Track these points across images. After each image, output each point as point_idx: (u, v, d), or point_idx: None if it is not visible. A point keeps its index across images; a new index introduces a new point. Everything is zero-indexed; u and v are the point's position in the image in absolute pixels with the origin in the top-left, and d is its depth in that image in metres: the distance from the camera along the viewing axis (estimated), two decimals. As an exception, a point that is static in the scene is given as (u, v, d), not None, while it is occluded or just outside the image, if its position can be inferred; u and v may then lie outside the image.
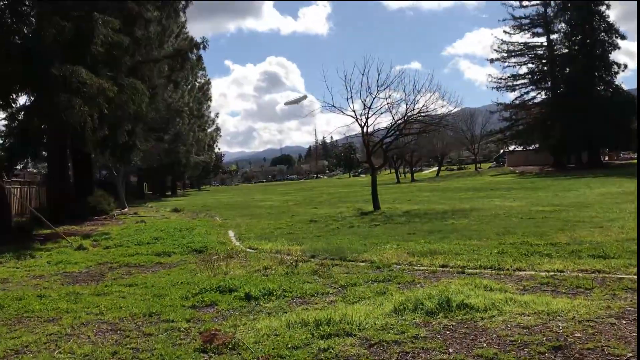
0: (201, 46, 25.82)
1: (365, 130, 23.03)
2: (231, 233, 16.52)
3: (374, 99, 22.69)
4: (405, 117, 22.42)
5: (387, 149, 24.25)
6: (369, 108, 22.75)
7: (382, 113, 23.45)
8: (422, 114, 22.50)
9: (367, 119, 22.91)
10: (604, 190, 26.34)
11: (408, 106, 22.11)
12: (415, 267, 8.77)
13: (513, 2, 68.47)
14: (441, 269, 8.54)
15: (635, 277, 6.84)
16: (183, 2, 26.18)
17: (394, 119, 22.91)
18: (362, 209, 22.83)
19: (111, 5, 20.07)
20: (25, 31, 18.59)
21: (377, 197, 22.78)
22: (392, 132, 23.04)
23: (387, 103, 22.58)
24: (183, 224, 20.10)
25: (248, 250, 12.28)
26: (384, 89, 22.53)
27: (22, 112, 21.65)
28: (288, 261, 9.65)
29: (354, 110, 22.93)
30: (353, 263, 9.54)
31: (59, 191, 24.55)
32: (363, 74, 22.44)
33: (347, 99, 22.73)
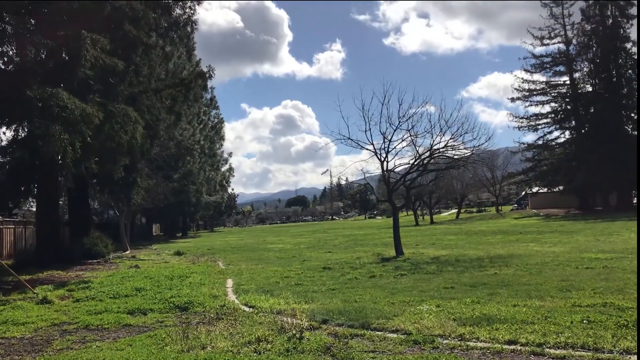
0: (207, 75, 23.79)
1: (385, 165, 20.64)
2: (229, 283, 13.96)
3: (394, 131, 20.39)
4: (431, 150, 19.98)
5: (409, 187, 21.71)
6: (390, 141, 20.42)
7: (403, 147, 21.01)
8: (449, 148, 20.08)
9: (387, 153, 20.57)
10: (652, 235, 23.47)
11: (434, 139, 19.71)
12: (471, 344, 6.17)
13: (533, 40, 66.57)
14: (508, 346, 5.96)
15: None
16: (188, 29, 24.29)
17: (417, 152, 20.49)
18: (383, 254, 20.21)
19: (105, 26, 18.15)
20: (4, 50, 16.62)
21: (399, 241, 20.14)
22: (416, 167, 20.55)
23: (410, 135, 20.21)
24: (179, 270, 17.59)
25: (243, 308, 9.71)
26: (406, 120, 20.24)
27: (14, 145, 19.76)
28: (291, 328, 7.09)
29: (372, 144, 20.61)
30: (380, 334, 6.95)
31: (47, 232, 22.21)
32: (383, 104, 20.13)
33: (365, 131, 20.39)
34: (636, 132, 53.91)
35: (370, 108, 20.33)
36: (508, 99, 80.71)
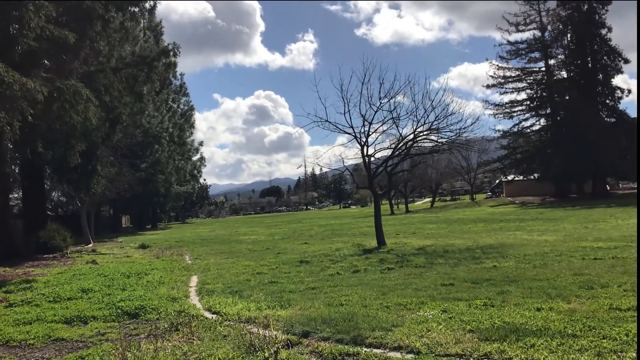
0: (172, 53, 21.84)
1: (365, 150, 19.09)
2: (194, 281, 12.26)
3: (375, 112, 18.82)
4: (414, 133, 18.50)
5: (391, 173, 20.19)
6: (370, 123, 18.87)
7: (385, 130, 19.46)
8: (433, 131, 18.61)
9: (367, 136, 19.02)
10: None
11: (419, 119, 18.22)
12: (502, 368, 4.65)
13: (509, 26, 65.56)
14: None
15: None
16: (150, 3, 22.27)
17: (400, 135, 18.98)
18: (364, 245, 18.70)
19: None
20: None
21: (381, 231, 18.64)
22: (399, 151, 19.04)
23: (393, 117, 18.67)
24: (139, 266, 15.80)
25: (205, 314, 8.04)
26: (388, 100, 18.70)
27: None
28: (263, 346, 5.48)
29: (352, 127, 19.03)
30: (379, 353, 5.38)
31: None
32: (363, 83, 18.54)
33: (344, 113, 18.78)
34: (636, 129, 53.33)
35: (349, 88, 18.70)
36: (483, 86, 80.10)
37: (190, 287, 11.29)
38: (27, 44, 14.46)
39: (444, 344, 5.36)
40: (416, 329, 5.98)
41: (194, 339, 6.33)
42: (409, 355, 5.22)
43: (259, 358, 5.11)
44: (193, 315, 7.81)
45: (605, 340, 5.10)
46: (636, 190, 62.27)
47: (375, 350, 5.44)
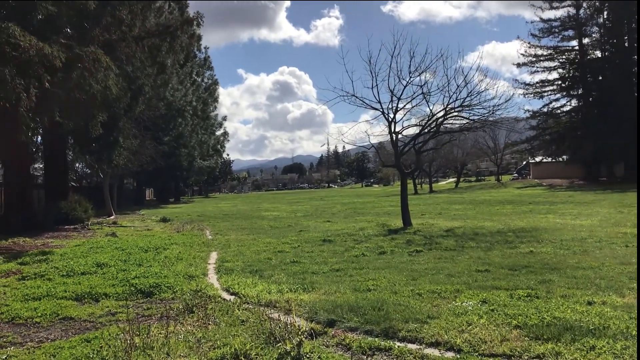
0: (195, 23, 21.23)
1: (393, 127, 18.36)
2: (213, 257, 11.81)
3: (404, 87, 18.05)
4: (445, 109, 17.68)
5: (419, 150, 19.43)
6: (399, 99, 18.10)
7: (413, 107, 18.68)
8: (465, 108, 17.76)
9: (395, 112, 18.27)
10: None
11: (451, 95, 17.39)
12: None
13: (542, 3, 63.32)
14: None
15: None
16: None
17: (431, 111, 18.17)
18: (388, 225, 18.08)
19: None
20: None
21: (407, 211, 17.98)
22: (429, 127, 18.25)
23: (423, 92, 17.86)
24: (158, 240, 15.41)
25: (223, 295, 7.55)
26: (419, 74, 17.89)
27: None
28: (284, 336, 4.93)
29: (379, 102, 18.29)
30: (414, 348, 4.79)
31: (15, 194, 19.94)
32: (392, 56, 17.72)
33: (372, 87, 18.01)
34: (636, 129, 51.45)
35: (378, 62, 17.91)
36: (513, 64, 77.84)
37: (209, 264, 10.82)
38: (46, 8, 13.98)
39: (488, 342, 4.73)
40: (455, 322, 5.36)
41: (209, 324, 5.82)
42: (449, 354, 4.62)
43: (279, 350, 4.56)
44: (210, 296, 7.31)
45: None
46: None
47: (410, 346, 4.85)
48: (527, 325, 5.15)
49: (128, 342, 4.84)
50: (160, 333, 5.31)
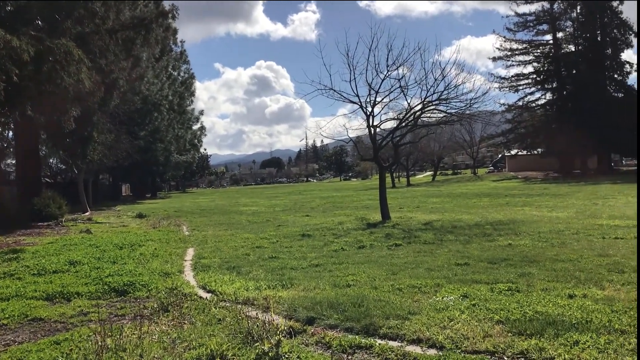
0: (170, 15, 20.87)
1: (371, 120, 18.28)
2: (189, 254, 11.60)
3: (382, 81, 17.96)
4: (423, 102, 17.65)
5: (398, 144, 19.39)
6: (377, 92, 18.02)
7: (391, 100, 18.61)
8: (442, 101, 17.75)
9: (373, 105, 18.18)
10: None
11: (429, 88, 17.36)
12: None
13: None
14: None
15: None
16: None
17: (409, 105, 18.14)
18: (367, 219, 18.03)
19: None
20: None
21: (386, 204, 17.96)
22: (406, 122, 18.22)
23: (401, 86, 17.80)
24: (134, 236, 15.13)
25: (200, 293, 7.37)
26: (397, 68, 17.83)
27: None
28: (262, 335, 4.79)
29: (357, 95, 18.19)
30: (395, 346, 4.69)
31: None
32: (370, 50, 17.63)
33: (350, 81, 17.90)
34: (636, 127, 52.22)
35: (355, 55, 17.80)
36: (489, 58, 78.29)
37: (186, 261, 10.62)
38: (16, 0, 13.57)
39: (470, 338, 4.65)
40: (436, 317, 5.28)
41: (185, 323, 5.66)
42: (431, 351, 4.53)
43: (257, 351, 4.42)
44: (186, 294, 7.14)
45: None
46: (635, 168, 61.52)
47: (391, 343, 4.74)
48: (509, 320, 5.09)
49: (99, 343, 4.65)
50: (133, 334, 5.13)
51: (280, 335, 4.65)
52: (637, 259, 7.48)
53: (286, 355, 4.39)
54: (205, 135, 79.64)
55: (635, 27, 57.16)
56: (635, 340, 4.37)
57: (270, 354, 4.28)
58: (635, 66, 57.62)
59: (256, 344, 4.60)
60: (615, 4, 57.65)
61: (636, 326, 4.66)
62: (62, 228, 20.31)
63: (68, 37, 16.97)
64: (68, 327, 5.97)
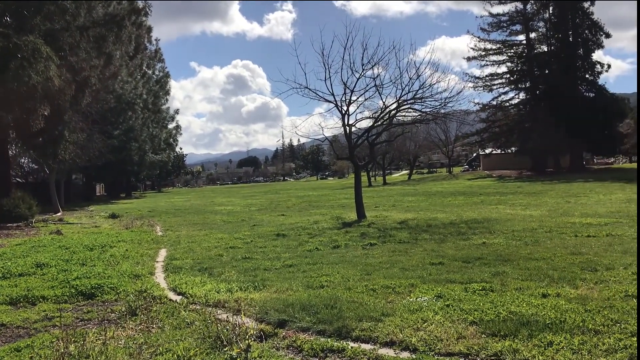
0: (142, 12, 20.54)
1: (346, 119, 18.22)
2: (162, 255, 11.39)
3: (357, 79, 17.90)
4: (398, 101, 17.65)
5: (373, 143, 19.36)
6: (352, 91, 17.96)
7: (366, 99, 18.60)
8: (417, 100, 17.77)
9: (348, 104, 18.12)
10: (621, 197, 22.24)
11: (404, 87, 17.37)
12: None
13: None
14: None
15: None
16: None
17: (384, 103, 18.12)
18: (343, 218, 17.97)
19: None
20: None
21: (362, 203, 17.93)
22: (381, 120, 18.20)
23: (376, 85, 17.77)
24: (105, 237, 14.81)
25: (170, 295, 7.20)
26: (372, 67, 17.80)
27: None
28: (232, 339, 4.66)
29: (332, 94, 18.11)
30: (368, 349, 4.60)
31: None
32: (345, 48, 17.56)
33: (325, 79, 17.81)
34: (636, 126, 53.16)
35: (331, 54, 17.73)
36: (463, 58, 79.20)
37: (157, 262, 10.41)
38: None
39: (444, 340, 4.58)
40: (410, 319, 5.20)
41: (152, 327, 5.50)
42: (404, 353, 4.44)
43: (226, 356, 4.29)
44: (155, 296, 6.96)
45: (635, 339, 4.36)
46: (613, 166, 62.74)
47: (363, 346, 4.65)
48: (483, 321, 5.03)
49: (61, 350, 4.47)
50: (98, 339, 4.95)
51: (250, 340, 4.54)
52: (637, 259, 7.50)
53: (256, 357, 4.26)
54: (181, 134, 78.98)
55: (606, 28, 58.20)
56: (610, 340, 4.34)
57: (239, 359, 4.15)
58: (605, 66, 58.53)
59: (225, 349, 4.47)
60: (586, 5, 58.59)
61: (636, 327, 4.63)
62: (32, 229, 19.87)
63: (37, 34, 16.58)
64: (31, 332, 5.76)
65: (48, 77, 14.68)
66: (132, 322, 5.71)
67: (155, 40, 65.36)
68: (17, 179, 42.21)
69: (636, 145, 48.30)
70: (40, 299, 7.21)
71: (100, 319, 6.11)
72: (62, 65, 16.76)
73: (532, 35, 63.98)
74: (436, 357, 4.29)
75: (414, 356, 4.36)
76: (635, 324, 4.67)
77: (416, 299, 5.99)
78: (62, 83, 17.04)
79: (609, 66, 59.04)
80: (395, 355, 4.42)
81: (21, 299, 7.21)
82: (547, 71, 62.57)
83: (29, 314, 6.50)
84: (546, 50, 63.17)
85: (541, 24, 63.48)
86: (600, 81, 60.11)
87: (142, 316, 5.86)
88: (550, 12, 61.60)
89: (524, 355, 4.14)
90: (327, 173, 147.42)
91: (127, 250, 11.98)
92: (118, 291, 7.51)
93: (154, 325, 5.56)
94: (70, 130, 25.59)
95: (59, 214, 28.97)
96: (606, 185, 31.66)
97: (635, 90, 52.79)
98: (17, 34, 14.50)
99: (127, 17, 20.19)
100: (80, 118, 28.93)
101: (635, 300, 5.48)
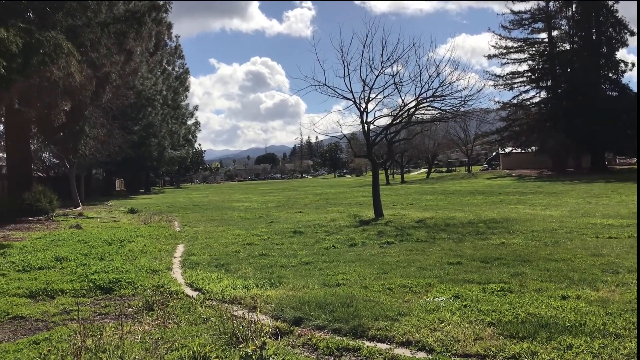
0: (162, 9, 20.64)
1: (365, 117, 18.13)
2: (179, 250, 11.45)
3: (376, 77, 17.81)
4: (417, 99, 17.53)
5: (391, 141, 19.26)
6: (371, 89, 17.87)
7: (385, 96, 18.50)
8: (437, 98, 17.63)
9: (367, 102, 18.04)
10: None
11: (423, 85, 17.23)
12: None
13: (512, -3, 63.60)
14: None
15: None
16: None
17: (403, 101, 18.00)
18: (360, 216, 17.91)
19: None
20: None
21: (379, 201, 17.84)
22: (401, 117, 18.08)
23: (395, 82, 17.66)
24: (124, 232, 14.95)
25: (187, 291, 7.24)
26: (391, 64, 17.68)
27: None
28: (247, 336, 4.66)
29: (351, 91, 18.04)
30: (384, 348, 4.56)
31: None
32: (364, 45, 17.47)
33: (344, 77, 17.75)
34: (636, 126, 52.30)
35: (350, 51, 17.66)
36: (484, 56, 78.17)
37: (175, 257, 10.47)
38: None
39: (461, 341, 4.53)
40: (426, 319, 5.15)
41: (169, 322, 5.52)
42: (421, 354, 4.40)
43: (241, 353, 4.28)
44: (172, 292, 6.99)
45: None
46: (636, 167, 61.65)
47: (379, 346, 4.62)
48: (501, 322, 4.97)
49: (79, 344, 4.51)
50: (115, 333, 4.98)
51: (266, 337, 4.53)
52: (637, 259, 7.39)
53: (271, 358, 4.25)
54: (200, 130, 79.37)
55: (631, 26, 57.22)
56: (632, 344, 4.25)
57: (254, 356, 4.14)
58: (630, 65, 57.60)
59: (241, 346, 4.46)
60: (610, 2, 57.65)
61: (636, 329, 4.55)
62: (52, 223, 20.12)
63: (58, 30, 16.74)
64: (49, 326, 5.82)
65: (69, 72, 14.83)
66: (148, 317, 5.74)
67: (175, 36, 65.79)
68: (39, 174, 42.73)
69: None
70: (59, 293, 7.29)
71: (117, 313, 6.15)
72: (83, 61, 16.91)
73: (555, 33, 63.15)
74: (453, 358, 4.24)
75: (430, 357, 4.31)
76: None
77: (433, 298, 5.94)
78: (83, 79, 17.19)
79: (633, 65, 58.06)
80: (411, 356, 4.38)
81: (40, 292, 7.29)
82: (569, 69, 61.71)
83: (48, 307, 6.57)
84: (569, 48, 62.29)
85: (564, 21, 62.64)
86: (624, 80, 59.22)
87: (158, 311, 5.89)
88: (573, 9, 60.71)
89: (542, 358, 4.07)
90: (344, 171, 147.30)
91: (145, 245, 12.07)
92: (135, 286, 7.56)
93: (170, 321, 5.58)
94: (90, 125, 25.84)
95: (79, 208, 29.30)
96: (628, 186, 31.11)
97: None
98: (39, 30, 14.64)
99: (147, 13, 20.30)
100: (100, 113, 29.22)
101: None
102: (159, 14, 20.83)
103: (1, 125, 25.84)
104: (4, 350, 4.91)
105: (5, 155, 29.07)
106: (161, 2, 20.97)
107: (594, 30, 58.84)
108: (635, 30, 57.38)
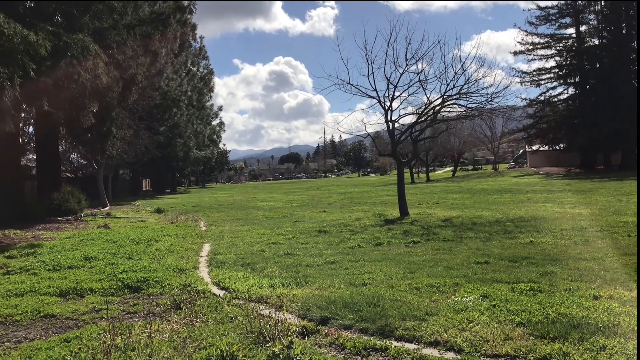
0: (187, 10, 20.82)
1: (389, 115, 18.03)
2: (205, 250, 11.53)
3: (401, 75, 17.70)
4: (443, 97, 17.36)
5: (416, 139, 19.13)
6: (395, 87, 17.76)
7: (410, 94, 18.40)
8: (462, 95, 17.44)
9: (392, 100, 17.93)
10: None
11: (449, 83, 17.07)
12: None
13: (540, -11, 62.74)
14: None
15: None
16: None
17: (428, 99, 17.86)
18: (385, 215, 17.81)
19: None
20: None
21: (404, 200, 17.72)
22: (426, 115, 17.94)
23: (420, 80, 17.52)
24: (151, 232, 15.11)
25: (213, 289, 7.27)
26: (415, 62, 17.55)
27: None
28: (274, 335, 4.66)
29: (375, 90, 17.96)
30: (412, 348, 4.52)
31: (6, 185, 19.61)
32: (389, 43, 17.36)
33: (368, 75, 17.69)
34: (636, 124, 51.15)
35: (374, 49, 17.59)
36: (510, 52, 77.21)
37: (201, 256, 10.55)
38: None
39: (490, 341, 4.46)
40: (455, 319, 5.09)
41: (196, 321, 5.55)
42: (449, 354, 4.35)
43: (268, 352, 4.28)
44: (199, 290, 7.03)
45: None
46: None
47: (407, 345, 4.58)
48: (531, 322, 4.88)
49: (108, 342, 4.56)
50: (144, 332, 5.03)
51: (293, 336, 4.52)
52: (637, 259, 7.22)
53: (298, 357, 4.23)
54: (224, 130, 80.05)
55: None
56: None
57: (281, 355, 4.14)
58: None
59: (267, 345, 4.46)
60: (640, -5, 56.33)
61: (636, 330, 4.44)
62: (81, 223, 20.45)
63: (86, 33, 17.01)
64: (79, 324, 5.90)
65: (96, 74, 15.05)
66: (176, 316, 5.78)
67: (200, 37, 66.45)
68: (67, 174, 43.56)
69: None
70: (89, 292, 7.39)
71: (145, 312, 6.21)
72: (110, 62, 17.15)
73: (583, 28, 61.99)
74: (482, 359, 4.18)
75: (459, 357, 4.26)
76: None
77: (461, 298, 5.86)
78: (110, 80, 17.44)
79: (666, 59, 56.64)
80: (439, 356, 4.32)
81: (70, 291, 7.40)
82: (597, 65, 60.51)
83: (78, 306, 6.67)
84: (597, 43, 61.05)
85: (592, 16, 61.43)
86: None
87: (186, 310, 5.94)
88: (602, 4, 59.53)
89: (574, 359, 3.98)
90: (369, 169, 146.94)
91: (172, 244, 12.18)
92: (163, 285, 7.63)
93: (198, 320, 5.61)
94: (117, 126, 26.18)
95: (106, 208, 29.76)
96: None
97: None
98: (67, 33, 14.88)
99: (172, 15, 20.51)
100: (127, 114, 29.62)
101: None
102: (184, 15, 21.00)
103: (31, 127, 26.32)
104: (37, 347, 4.99)
105: (35, 157, 29.64)
106: (186, 3, 21.10)
107: (623, 25, 57.59)
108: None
